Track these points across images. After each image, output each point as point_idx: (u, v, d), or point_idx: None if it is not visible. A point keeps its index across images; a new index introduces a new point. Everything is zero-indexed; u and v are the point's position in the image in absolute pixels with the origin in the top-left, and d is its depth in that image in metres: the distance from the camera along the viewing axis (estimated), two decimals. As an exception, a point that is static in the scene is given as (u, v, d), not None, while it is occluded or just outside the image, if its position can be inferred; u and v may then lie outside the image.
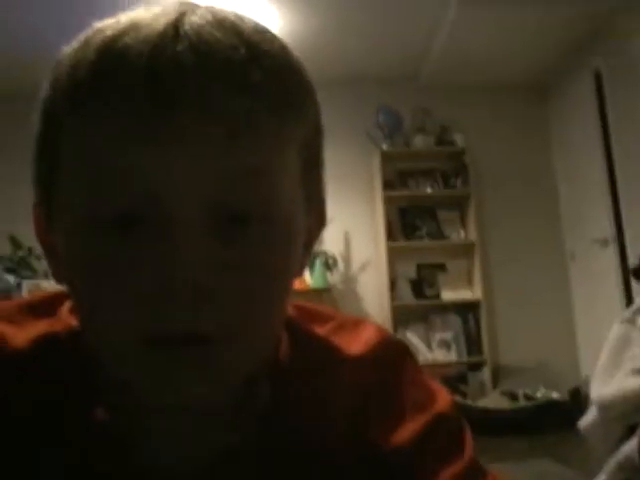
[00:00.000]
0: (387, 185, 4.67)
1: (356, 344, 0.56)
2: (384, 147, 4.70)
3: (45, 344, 0.50)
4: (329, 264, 4.53)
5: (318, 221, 0.53)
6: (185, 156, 0.40)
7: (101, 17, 0.44)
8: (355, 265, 4.80)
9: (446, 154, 4.83)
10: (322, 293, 4.31)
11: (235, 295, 0.42)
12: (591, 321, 4.45)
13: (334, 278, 4.63)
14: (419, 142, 4.75)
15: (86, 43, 0.42)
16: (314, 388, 0.53)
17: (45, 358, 0.49)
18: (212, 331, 0.41)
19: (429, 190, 4.77)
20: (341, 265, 4.71)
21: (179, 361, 0.41)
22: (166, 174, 0.40)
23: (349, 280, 4.78)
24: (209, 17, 0.42)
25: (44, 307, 0.53)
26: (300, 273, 0.51)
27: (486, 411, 3.85)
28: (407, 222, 4.78)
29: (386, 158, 4.69)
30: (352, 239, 4.77)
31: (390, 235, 4.64)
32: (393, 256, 4.65)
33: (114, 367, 0.45)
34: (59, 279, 0.48)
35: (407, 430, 0.53)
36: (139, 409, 0.48)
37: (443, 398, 0.56)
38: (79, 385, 0.49)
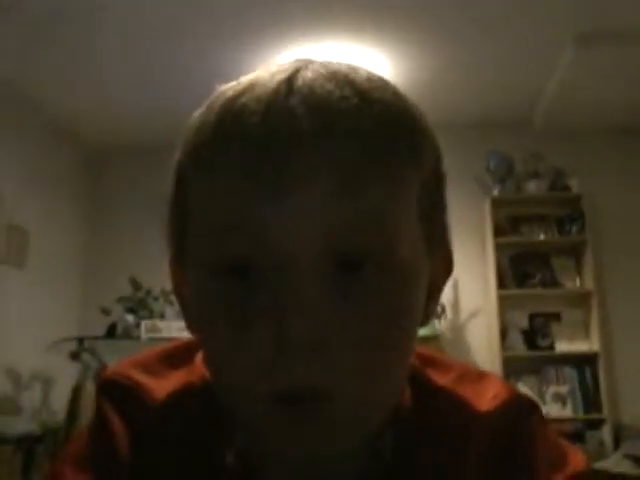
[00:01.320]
0: (498, 231, 4.55)
1: (484, 399, 0.53)
2: (495, 193, 4.60)
3: (182, 395, 0.52)
4: (437, 312, 4.44)
5: (444, 267, 0.52)
6: (298, 205, 0.40)
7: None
8: (464, 313, 4.68)
9: (560, 199, 4.66)
10: (430, 341, 4.22)
11: (354, 349, 0.41)
12: None
13: (442, 326, 4.53)
14: (532, 187, 4.62)
15: (210, 106, 0.45)
16: (442, 441, 0.51)
17: (183, 409, 0.52)
18: (332, 386, 0.41)
19: (542, 237, 4.61)
20: (450, 313, 4.61)
21: (301, 419, 0.41)
22: (282, 224, 0.40)
23: (458, 328, 4.66)
24: (322, 71, 0.44)
25: (181, 356, 0.56)
26: (426, 322, 0.49)
27: (607, 476, 3.59)
28: (519, 270, 4.63)
29: (497, 204, 4.58)
30: (461, 286, 4.66)
31: (501, 283, 4.51)
32: (504, 305, 4.50)
33: (240, 420, 0.47)
34: (191, 331, 0.50)
35: None
36: (266, 459, 0.49)
37: (579, 457, 0.54)
38: (214, 433, 0.50)
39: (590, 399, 4.38)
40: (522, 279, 4.60)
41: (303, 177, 0.40)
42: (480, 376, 0.57)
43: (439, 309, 4.44)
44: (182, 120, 0.49)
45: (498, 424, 0.52)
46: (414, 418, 0.52)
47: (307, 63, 0.45)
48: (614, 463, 3.78)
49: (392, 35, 3.62)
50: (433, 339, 4.26)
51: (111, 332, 4.24)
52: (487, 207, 4.59)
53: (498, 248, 4.52)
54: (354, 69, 0.45)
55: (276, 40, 3.59)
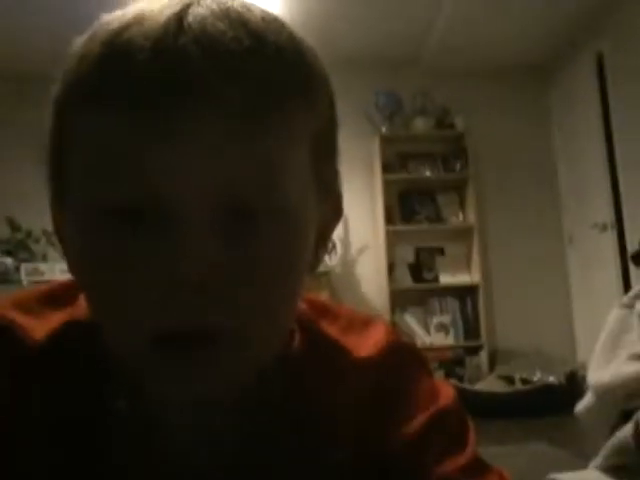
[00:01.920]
0: (386, 168, 4.65)
1: (365, 346, 0.56)
2: (383, 130, 4.67)
3: (65, 334, 0.50)
4: (328, 248, 4.52)
5: (333, 213, 0.52)
6: (188, 150, 0.39)
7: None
8: (354, 249, 4.79)
9: (446, 137, 4.81)
10: (320, 277, 4.31)
11: (243, 291, 0.41)
12: (589, 306, 4.46)
13: (333, 262, 4.63)
14: (419, 125, 4.73)
15: (92, 37, 0.42)
16: (325, 387, 0.53)
17: (66, 348, 0.50)
18: (221, 328, 0.41)
19: (428, 174, 4.76)
20: (340, 249, 4.71)
21: (188, 360, 0.41)
22: (171, 169, 0.39)
23: (347, 264, 4.78)
24: (214, 7, 0.42)
25: (63, 295, 0.54)
26: (316, 266, 0.50)
27: (482, 394, 3.87)
28: (406, 206, 4.78)
29: (385, 141, 4.67)
30: (351, 223, 4.76)
31: (389, 219, 4.64)
32: (392, 240, 4.65)
33: (126, 362, 0.46)
34: (73, 274, 0.48)
35: (411, 426, 0.54)
36: (154, 401, 0.49)
37: (446, 394, 0.57)
38: (101, 374, 0.49)
39: (470, 327, 4.66)
40: (409, 215, 4.75)
41: (191, 123, 0.39)
42: (366, 323, 0.59)
43: (329, 245, 4.52)
44: (67, 47, 0.46)
45: (374, 370, 0.55)
46: (303, 364, 0.53)
47: None
48: (489, 383, 4.08)
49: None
50: (324, 275, 4.35)
51: (-14, 276, 4.02)
52: (376, 144, 4.67)
53: (386, 185, 4.63)
54: (248, 8, 0.43)
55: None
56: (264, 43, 0.41)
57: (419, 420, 0.54)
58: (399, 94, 4.69)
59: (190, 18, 0.40)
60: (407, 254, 4.77)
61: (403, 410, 0.55)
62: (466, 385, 4.16)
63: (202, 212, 0.40)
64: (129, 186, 0.40)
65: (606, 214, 4.15)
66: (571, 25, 4.26)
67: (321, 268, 4.34)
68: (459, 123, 4.75)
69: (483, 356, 4.54)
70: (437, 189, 4.82)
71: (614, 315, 1.45)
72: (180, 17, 0.40)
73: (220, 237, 0.40)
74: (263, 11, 0.44)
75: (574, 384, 3.78)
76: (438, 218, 4.77)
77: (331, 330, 0.57)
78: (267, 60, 0.41)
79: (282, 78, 0.41)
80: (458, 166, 4.72)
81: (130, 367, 0.46)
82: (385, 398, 0.55)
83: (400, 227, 4.70)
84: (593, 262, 4.39)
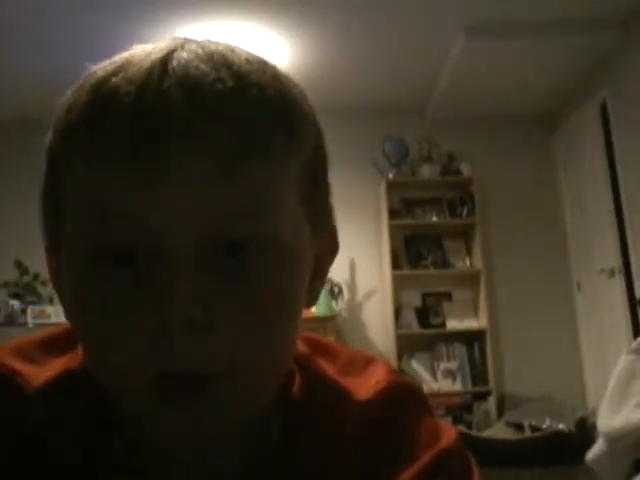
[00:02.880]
0: (393, 214, 4.68)
1: (365, 387, 0.55)
2: (390, 176, 4.72)
3: (64, 381, 0.50)
4: (334, 292, 4.52)
5: (329, 248, 0.52)
6: (174, 192, 0.39)
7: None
8: (360, 293, 4.79)
9: (452, 183, 4.85)
10: (327, 321, 4.29)
11: (236, 329, 0.41)
12: (598, 351, 4.41)
13: (339, 306, 4.62)
14: (425, 171, 4.77)
15: (80, 85, 0.43)
16: (325, 432, 0.53)
17: (62, 396, 0.50)
18: (214, 368, 0.41)
19: (435, 219, 4.78)
20: (346, 293, 4.70)
21: (183, 402, 0.41)
22: (157, 212, 0.40)
23: (354, 308, 4.76)
24: (198, 51, 0.42)
25: (64, 342, 0.53)
26: (311, 303, 0.50)
27: (491, 441, 3.80)
28: (412, 251, 4.78)
29: (392, 187, 4.70)
30: (357, 267, 4.77)
31: (395, 263, 4.64)
32: (398, 284, 4.64)
33: (124, 408, 0.46)
34: (69, 321, 0.48)
35: (413, 469, 0.52)
36: (153, 444, 0.49)
37: (448, 434, 0.56)
38: (98, 421, 0.49)
39: (477, 373, 4.61)
40: (415, 260, 4.75)
41: (177, 164, 0.39)
42: (366, 363, 0.58)
43: (336, 289, 4.52)
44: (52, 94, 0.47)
45: (375, 411, 0.53)
46: (302, 406, 0.52)
47: (184, 43, 0.43)
48: (498, 430, 4.02)
49: (291, 19, 3.61)
50: (330, 319, 4.34)
51: (-5, 319, 4.02)
52: (383, 190, 4.71)
53: (393, 230, 4.65)
54: (232, 50, 0.44)
55: (171, 18, 3.49)
56: (247, 83, 0.42)
57: (422, 462, 0.53)
58: (405, 141, 4.75)
59: (174, 62, 0.41)
60: (414, 299, 4.76)
61: (405, 453, 0.53)
62: (474, 432, 4.10)
63: (191, 252, 0.40)
64: (118, 232, 0.40)
65: (613, 259, 4.14)
66: (575, 74, 4.33)
67: (327, 312, 4.33)
68: (465, 169, 4.79)
69: (491, 402, 4.48)
70: (443, 234, 4.84)
71: (622, 362, 1.44)
72: (165, 61, 0.41)
73: (211, 276, 0.40)
74: (248, 53, 0.45)
75: (584, 431, 3.72)
76: (445, 263, 4.77)
77: (330, 370, 0.56)
78: (250, 100, 0.41)
79: (266, 117, 0.42)
80: (464, 212, 4.74)
81: (128, 413, 0.46)
82: (387, 441, 0.54)
83: (407, 272, 4.70)
84: (601, 308, 4.36)
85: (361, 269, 4.77)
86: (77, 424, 0.49)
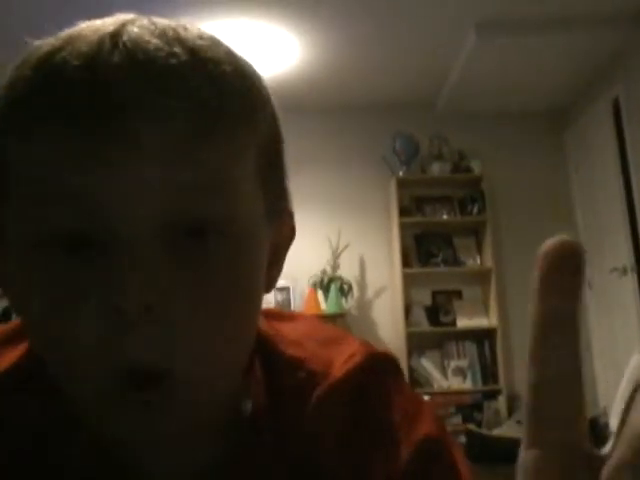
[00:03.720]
0: (403, 211, 4.67)
1: (337, 364, 0.53)
2: (400, 173, 4.71)
3: (20, 373, 0.48)
4: (344, 290, 4.51)
5: (285, 234, 0.50)
6: (127, 172, 0.38)
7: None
8: (370, 291, 4.78)
9: (462, 181, 4.83)
10: (336, 319, 4.29)
11: (194, 315, 0.39)
12: (609, 350, 4.39)
13: (349, 304, 4.61)
14: (436, 169, 4.76)
15: (23, 61, 0.41)
16: (294, 413, 0.51)
17: (22, 388, 0.48)
18: (170, 360, 0.39)
19: (445, 217, 4.77)
20: (356, 291, 4.70)
21: (136, 403, 0.39)
22: (110, 192, 0.38)
23: (364, 306, 4.76)
24: (150, 27, 0.41)
25: (19, 333, 0.51)
26: (269, 289, 0.48)
27: (501, 440, 3.79)
28: (423, 248, 4.77)
29: (402, 184, 4.69)
30: (367, 265, 4.76)
31: (405, 261, 4.63)
32: (408, 282, 4.63)
33: (79, 403, 0.43)
34: (16, 312, 0.45)
35: (393, 458, 0.51)
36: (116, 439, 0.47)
37: (428, 420, 0.54)
38: (57, 415, 0.47)
39: (488, 371, 4.60)
40: (426, 258, 4.74)
41: (128, 143, 0.37)
42: (335, 339, 0.57)
43: (346, 287, 4.52)
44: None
45: (348, 391, 0.52)
46: (268, 394, 0.51)
47: (134, 19, 0.42)
48: (508, 429, 4.00)
49: (302, 17, 3.61)
50: (340, 317, 4.33)
51: None
52: (393, 187, 4.70)
53: (403, 227, 4.64)
54: (184, 27, 0.42)
55: (181, 16, 3.49)
56: (201, 59, 0.40)
57: (406, 452, 0.51)
58: (416, 139, 4.73)
59: (125, 37, 0.39)
60: (424, 297, 4.75)
61: (383, 434, 0.52)
62: (484, 430, 4.08)
63: (149, 234, 0.38)
64: (70, 214, 0.38)
65: (625, 258, 4.12)
66: (587, 71, 4.30)
67: (337, 310, 4.33)
68: (476, 167, 4.77)
69: (501, 401, 4.47)
70: (454, 232, 4.82)
71: (635, 360, 1.43)
72: (114, 36, 0.39)
73: (168, 261, 0.39)
74: (200, 30, 0.44)
75: (596, 431, 3.69)
76: (455, 261, 4.75)
77: (296, 353, 0.54)
78: (206, 74, 0.40)
79: (220, 93, 0.40)
80: (475, 209, 4.73)
81: (82, 407, 0.43)
82: (364, 417, 0.52)
83: (417, 270, 4.69)
84: (613, 307, 4.33)
85: (371, 267, 4.76)
86: (27, 416, 0.47)
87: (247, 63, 0.45)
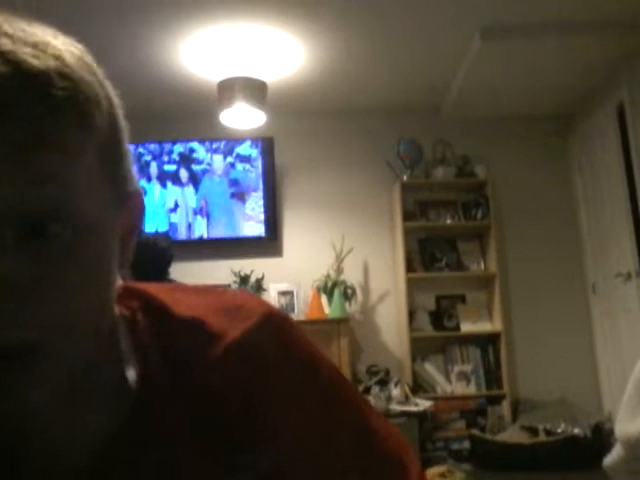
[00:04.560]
0: (407, 216, 4.66)
1: (234, 326, 0.57)
2: (404, 178, 4.71)
3: None
4: (348, 294, 4.51)
5: (135, 213, 0.55)
6: None
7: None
8: (374, 295, 4.78)
9: (467, 185, 4.83)
10: (340, 323, 4.29)
11: (49, 300, 0.44)
12: (613, 355, 4.38)
13: (353, 308, 4.61)
14: (440, 173, 4.76)
15: None
16: (193, 372, 0.55)
17: None
18: (33, 339, 0.44)
19: (449, 221, 4.77)
20: (360, 295, 4.69)
21: (6, 374, 0.44)
22: None
23: (368, 310, 4.76)
24: None
25: None
26: (124, 265, 0.53)
27: (505, 446, 3.78)
28: (427, 253, 4.77)
29: (406, 189, 4.69)
30: (371, 269, 4.76)
31: (409, 266, 4.63)
32: (412, 287, 4.63)
33: None
34: None
35: (297, 408, 0.57)
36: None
37: (325, 365, 0.61)
38: None
39: (492, 376, 4.58)
40: (429, 262, 4.74)
41: None
42: (235, 306, 0.60)
43: (350, 291, 4.51)
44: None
45: (246, 349, 0.56)
46: (163, 359, 0.55)
47: None
48: (512, 434, 3.99)
49: (307, 21, 3.61)
50: (344, 321, 4.33)
51: None
52: (397, 192, 4.69)
53: (407, 232, 4.63)
54: (10, 23, 0.45)
55: (187, 21, 3.51)
56: (27, 69, 0.43)
57: (308, 399, 0.57)
58: (420, 143, 4.73)
59: None
60: (428, 301, 4.74)
61: (283, 393, 0.56)
62: (488, 435, 4.07)
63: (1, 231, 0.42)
64: None
65: (630, 263, 4.11)
66: (591, 76, 4.29)
67: (341, 314, 4.32)
68: (480, 171, 4.77)
69: (505, 406, 4.45)
70: (458, 237, 4.82)
71: (640, 366, 1.42)
72: None
73: (17, 256, 0.43)
74: (32, 33, 0.46)
75: (600, 436, 3.68)
76: (459, 266, 4.75)
77: (195, 315, 0.57)
78: (32, 87, 0.42)
79: (49, 106, 0.43)
80: (479, 214, 4.72)
81: None
82: (266, 377, 0.56)
83: (421, 274, 4.68)
84: (617, 311, 4.32)
85: (375, 271, 4.76)
86: None
87: (81, 61, 0.47)
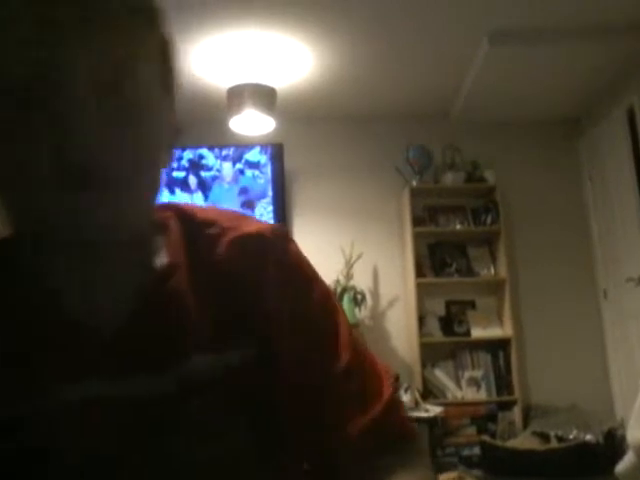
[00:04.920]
0: (416, 221, 4.66)
1: (247, 224, 0.69)
2: (414, 183, 4.70)
3: None
4: (357, 300, 4.50)
5: (175, 125, 0.64)
6: (69, 49, 0.50)
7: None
8: (384, 301, 4.77)
9: (476, 191, 4.81)
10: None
11: (122, 155, 0.53)
12: (625, 361, 4.35)
13: (362, 314, 4.60)
14: (449, 179, 4.75)
15: None
16: (210, 254, 0.65)
17: None
18: (108, 180, 0.52)
19: (459, 227, 4.75)
20: (369, 301, 4.69)
21: (81, 199, 0.52)
22: (60, 56, 0.50)
23: (377, 316, 4.75)
24: None
25: None
26: (166, 163, 0.62)
27: (516, 452, 3.75)
28: (436, 258, 4.76)
29: (416, 194, 4.68)
30: (381, 275, 4.75)
31: (419, 271, 4.62)
32: (422, 292, 4.62)
33: (25, 211, 0.55)
34: None
35: (304, 298, 0.69)
36: (50, 252, 0.59)
37: (320, 282, 0.73)
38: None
39: (502, 382, 4.56)
40: (439, 268, 4.72)
41: (69, 26, 0.50)
42: (243, 217, 0.71)
43: (359, 297, 4.51)
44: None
45: (257, 239, 0.67)
46: (185, 251, 0.65)
47: None
48: (523, 441, 3.96)
49: (315, 27, 3.62)
50: (354, 326, 4.31)
51: None
52: (406, 197, 4.69)
53: (416, 237, 4.63)
54: None
55: (196, 27, 3.53)
56: None
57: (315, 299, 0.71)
58: (429, 148, 4.73)
59: None
60: (437, 307, 4.73)
61: (297, 278, 0.70)
62: (498, 442, 4.05)
63: (90, 97, 0.51)
64: (23, 68, 0.49)
65: (641, 268, 4.08)
66: (601, 80, 4.28)
67: (350, 320, 4.31)
68: (489, 177, 4.75)
69: (516, 411, 4.43)
70: (468, 242, 4.80)
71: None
72: None
73: (104, 117, 0.52)
74: None
75: (613, 443, 3.65)
76: (469, 271, 4.73)
77: (210, 217, 0.69)
78: None
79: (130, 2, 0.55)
80: (489, 219, 4.71)
81: (34, 211, 0.54)
82: (277, 264, 0.67)
83: (430, 280, 4.67)
84: (629, 317, 4.29)
85: (384, 277, 4.76)
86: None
87: None
